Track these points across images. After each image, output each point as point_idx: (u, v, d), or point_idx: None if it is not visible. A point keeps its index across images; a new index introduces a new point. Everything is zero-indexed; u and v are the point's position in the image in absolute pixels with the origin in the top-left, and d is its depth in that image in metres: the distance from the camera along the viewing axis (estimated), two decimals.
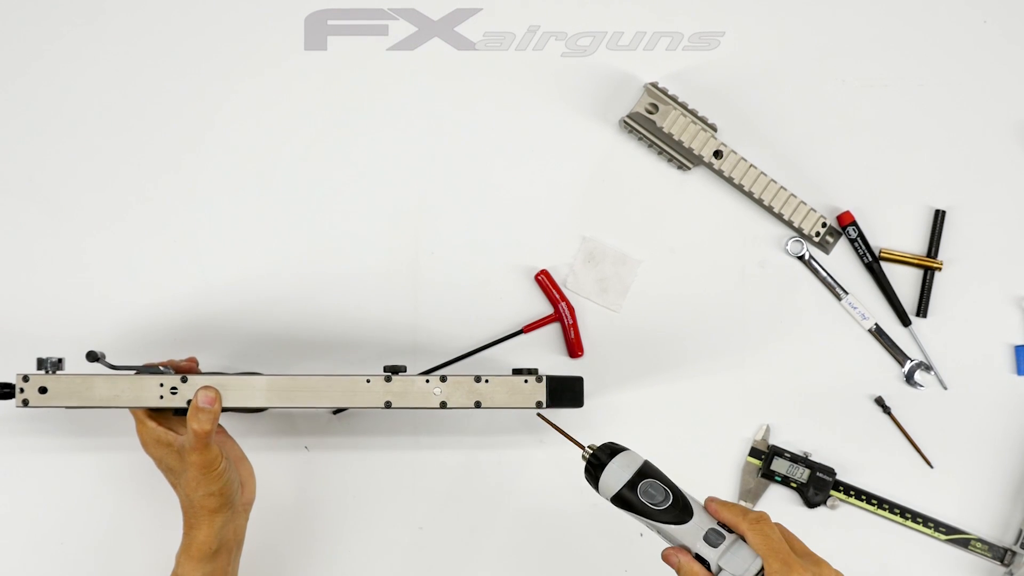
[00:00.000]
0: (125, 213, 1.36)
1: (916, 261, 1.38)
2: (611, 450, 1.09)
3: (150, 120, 1.36)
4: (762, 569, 1.03)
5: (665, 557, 1.07)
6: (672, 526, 1.06)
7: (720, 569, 1.04)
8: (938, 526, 1.37)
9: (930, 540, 1.38)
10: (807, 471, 1.36)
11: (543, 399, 1.22)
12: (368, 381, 1.21)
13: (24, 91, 1.36)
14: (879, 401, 1.38)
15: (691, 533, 1.05)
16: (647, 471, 1.07)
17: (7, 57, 1.36)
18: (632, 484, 1.07)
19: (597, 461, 1.09)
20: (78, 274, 1.35)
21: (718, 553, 1.04)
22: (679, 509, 1.06)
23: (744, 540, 1.05)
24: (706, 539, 1.05)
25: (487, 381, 1.22)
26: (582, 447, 1.11)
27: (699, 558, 1.05)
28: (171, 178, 1.36)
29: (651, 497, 1.06)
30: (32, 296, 1.35)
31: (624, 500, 1.07)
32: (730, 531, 1.06)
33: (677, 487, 1.07)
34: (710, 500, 1.07)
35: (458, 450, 1.37)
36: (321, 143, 1.37)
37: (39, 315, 1.35)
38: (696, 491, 1.38)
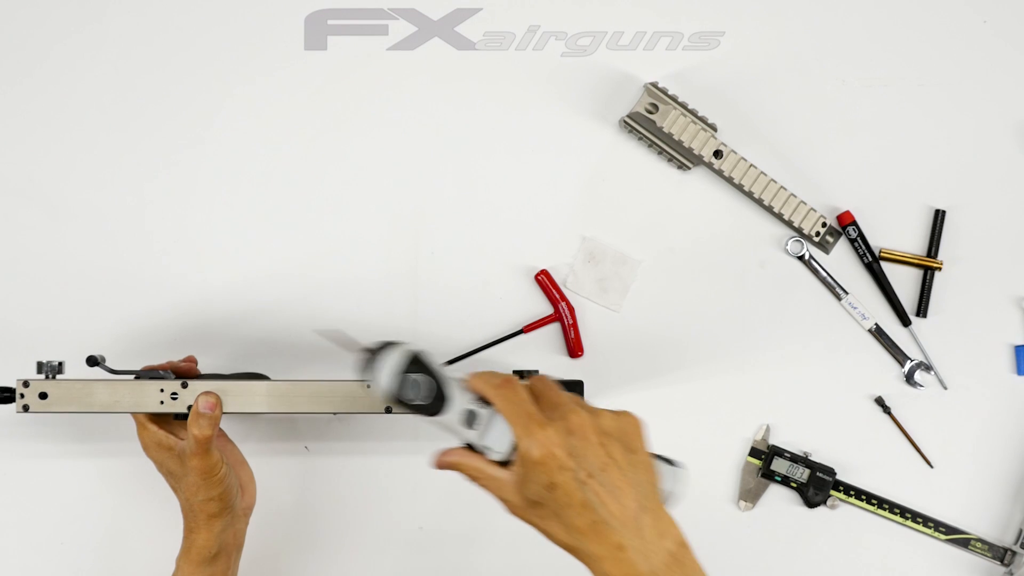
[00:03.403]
0: (125, 214, 1.36)
1: (916, 261, 1.38)
2: (379, 347, 1.02)
3: (150, 121, 1.36)
4: None
5: (441, 462, 1.02)
6: (437, 417, 1.01)
7: (487, 448, 0.99)
8: (938, 526, 1.38)
9: (930, 540, 1.38)
10: (807, 471, 1.36)
11: None
12: (369, 387, 1.21)
13: (24, 92, 1.36)
14: (879, 401, 1.39)
15: (450, 420, 1.01)
16: (416, 364, 1.01)
17: (8, 58, 1.36)
18: (399, 385, 1.00)
19: (369, 363, 1.02)
20: (78, 275, 1.35)
21: (478, 433, 1.00)
22: (441, 399, 1.01)
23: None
24: (466, 422, 1.01)
25: None
26: (357, 348, 1.05)
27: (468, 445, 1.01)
28: (170, 179, 1.36)
29: (415, 390, 1.00)
30: (32, 297, 1.35)
31: (397, 401, 1.01)
32: (488, 405, 1.00)
33: (439, 374, 1.01)
34: (469, 376, 1.01)
35: None
36: (321, 143, 1.37)
37: (39, 316, 1.35)
38: (695, 491, 1.38)
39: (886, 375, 1.39)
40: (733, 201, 1.38)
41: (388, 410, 1.21)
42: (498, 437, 1.00)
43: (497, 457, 1.00)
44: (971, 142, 1.39)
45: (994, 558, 1.38)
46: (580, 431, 0.97)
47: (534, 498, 0.97)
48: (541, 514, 0.98)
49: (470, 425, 1.00)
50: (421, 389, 1.01)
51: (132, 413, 1.22)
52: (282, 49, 1.37)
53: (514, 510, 1.00)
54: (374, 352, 1.02)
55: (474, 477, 1.01)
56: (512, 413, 0.98)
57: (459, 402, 1.01)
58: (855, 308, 1.38)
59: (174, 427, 1.23)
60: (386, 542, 1.37)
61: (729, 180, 1.36)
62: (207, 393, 1.19)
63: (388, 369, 1.01)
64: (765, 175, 1.35)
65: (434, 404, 1.01)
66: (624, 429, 1.01)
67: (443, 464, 1.02)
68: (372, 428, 1.36)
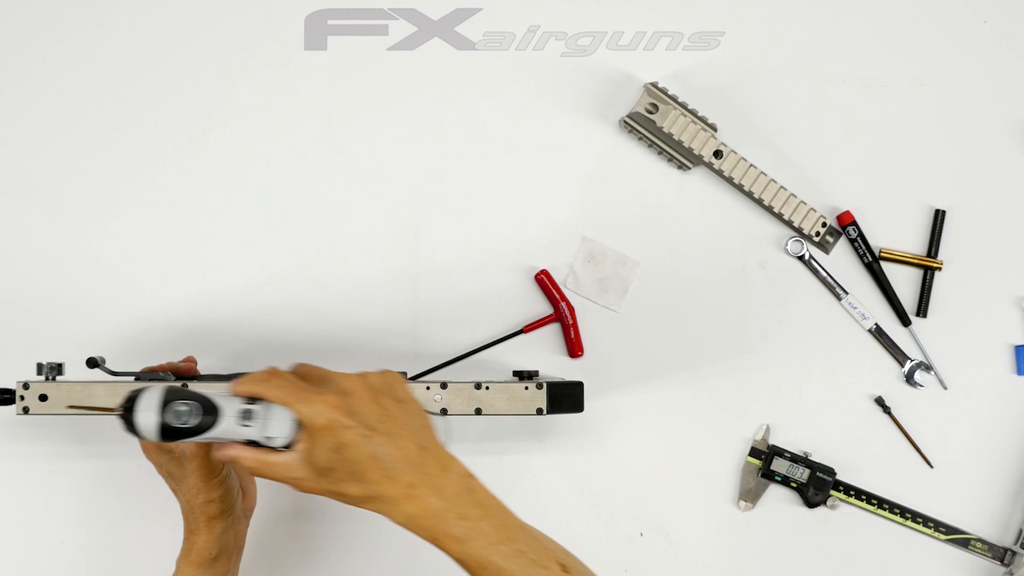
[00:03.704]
0: (125, 215, 1.36)
1: (916, 261, 1.38)
2: (132, 396, 1.04)
3: (150, 121, 1.36)
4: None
5: (217, 460, 1.06)
6: (215, 430, 1.03)
7: (270, 439, 1.03)
8: (938, 526, 1.38)
9: (930, 540, 1.38)
10: (807, 471, 1.37)
11: (543, 406, 1.23)
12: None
13: (24, 92, 1.36)
14: (879, 401, 1.39)
15: (231, 426, 1.04)
16: (173, 396, 1.04)
17: (9, 58, 1.36)
18: (165, 419, 1.03)
19: (127, 414, 1.04)
20: (78, 276, 1.35)
21: (258, 428, 1.03)
22: (212, 412, 1.04)
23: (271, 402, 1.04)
24: (242, 422, 1.04)
25: (487, 388, 1.22)
26: (112, 410, 1.09)
27: (254, 444, 1.04)
28: (170, 180, 1.36)
29: (183, 417, 1.03)
30: (32, 297, 1.35)
31: (171, 433, 1.03)
32: (260, 400, 1.04)
33: (200, 393, 1.04)
34: (232, 384, 1.05)
35: (458, 453, 1.37)
36: (321, 143, 1.37)
37: (38, 317, 1.35)
38: (695, 492, 1.38)
39: (886, 375, 1.39)
40: (733, 201, 1.38)
41: None
42: (278, 425, 1.03)
43: (280, 443, 1.04)
44: (971, 142, 1.39)
45: (994, 558, 1.38)
46: (353, 391, 1.03)
47: (325, 464, 1.02)
48: (334, 478, 1.02)
49: (248, 424, 1.04)
50: (189, 412, 1.04)
51: None
52: (282, 49, 1.37)
53: (305, 485, 1.04)
54: (127, 403, 1.04)
55: (255, 468, 1.04)
56: (286, 395, 1.02)
57: (231, 409, 1.04)
58: (855, 308, 1.38)
59: None
60: (386, 543, 1.37)
61: (729, 180, 1.36)
62: None
63: (148, 408, 1.03)
64: (765, 175, 1.35)
65: (207, 420, 1.04)
66: (390, 383, 1.07)
67: (223, 457, 1.06)
68: None
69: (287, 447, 1.03)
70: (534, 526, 1.07)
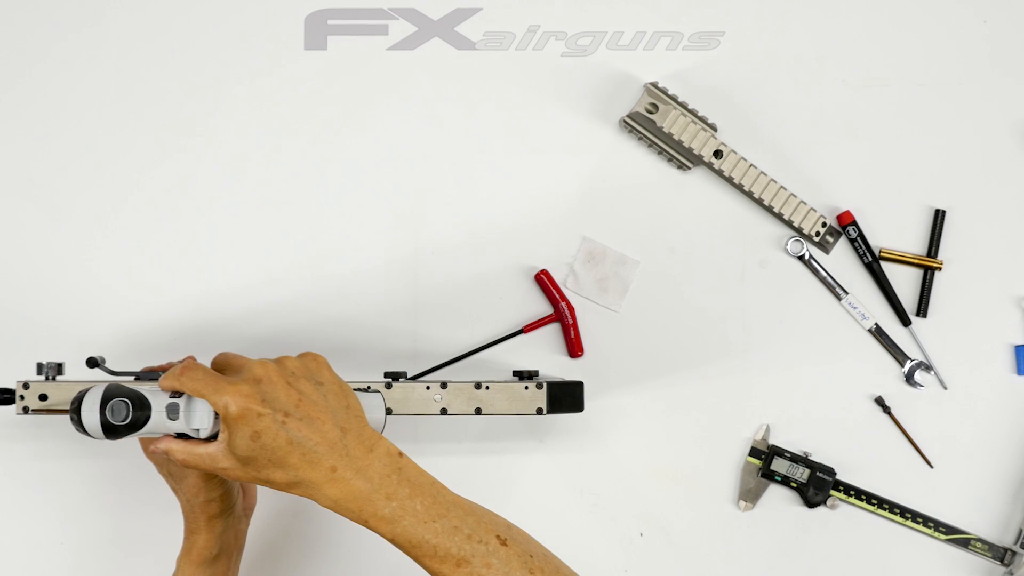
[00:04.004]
0: (124, 215, 1.36)
1: (916, 261, 1.38)
2: (78, 397, 1.08)
3: (149, 121, 1.36)
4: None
5: (149, 455, 1.08)
6: (149, 425, 1.06)
7: (195, 431, 1.06)
8: (938, 526, 1.38)
9: (930, 540, 1.38)
10: (807, 471, 1.37)
11: (543, 406, 1.23)
12: (369, 388, 1.21)
13: (24, 92, 1.36)
14: (879, 401, 1.39)
15: (162, 420, 1.06)
16: (111, 394, 1.07)
17: (8, 57, 1.36)
18: (104, 417, 1.07)
19: (75, 415, 1.07)
20: (78, 276, 1.35)
21: (183, 421, 1.06)
22: (146, 408, 1.07)
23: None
24: (169, 416, 1.06)
25: (487, 388, 1.22)
26: (66, 411, 1.13)
27: (183, 436, 1.07)
28: (170, 179, 1.36)
29: (119, 414, 1.06)
30: (32, 297, 1.35)
31: (112, 430, 1.06)
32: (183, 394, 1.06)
33: (134, 390, 1.07)
34: (160, 380, 1.07)
35: (459, 453, 1.37)
36: (321, 143, 1.37)
37: (38, 316, 1.35)
38: (695, 492, 1.38)
39: (886, 375, 1.39)
40: (733, 201, 1.38)
41: (389, 411, 1.21)
42: (200, 417, 1.06)
43: (205, 435, 1.06)
44: (971, 142, 1.39)
45: (994, 558, 1.38)
46: (266, 378, 1.03)
47: (246, 453, 1.02)
48: (257, 466, 1.03)
49: (174, 417, 1.06)
50: (125, 409, 1.06)
51: None
52: (282, 49, 1.37)
53: (234, 474, 1.04)
54: (74, 404, 1.07)
55: (185, 460, 1.05)
56: (200, 387, 1.03)
57: (158, 404, 1.07)
58: (855, 308, 1.38)
59: None
60: (386, 545, 1.37)
61: (729, 180, 1.36)
62: None
63: (91, 407, 1.06)
64: (765, 175, 1.35)
65: (142, 416, 1.06)
66: (308, 366, 1.07)
67: (153, 451, 1.07)
68: None
69: (214, 438, 1.05)
70: (475, 501, 1.07)
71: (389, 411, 1.22)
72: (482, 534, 1.03)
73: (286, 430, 1.01)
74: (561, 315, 1.36)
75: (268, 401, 1.02)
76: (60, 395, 1.19)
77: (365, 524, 1.04)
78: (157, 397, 1.07)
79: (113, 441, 1.09)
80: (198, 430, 1.06)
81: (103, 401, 1.06)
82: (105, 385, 1.08)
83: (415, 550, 1.03)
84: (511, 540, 1.04)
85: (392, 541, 1.04)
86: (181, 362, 1.10)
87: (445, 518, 1.03)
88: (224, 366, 1.08)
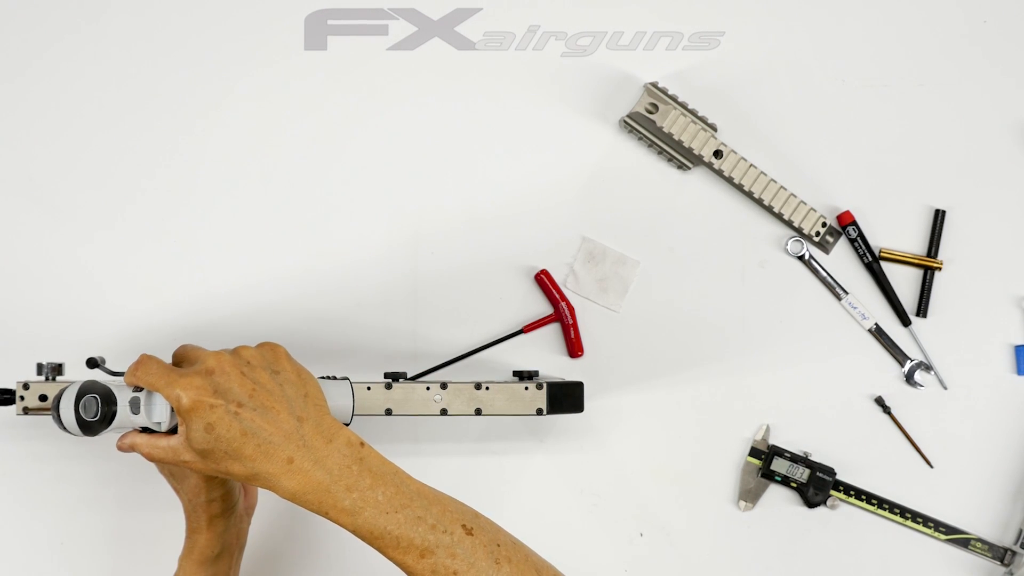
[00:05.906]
0: (124, 215, 1.36)
1: (916, 261, 1.38)
2: (58, 395, 1.10)
3: (149, 121, 1.36)
4: None
5: (118, 448, 1.08)
6: (116, 420, 1.08)
7: (157, 424, 1.07)
8: (938, 526, 1.38)
9: (930, 540, 1.38)
10: (807, 471, 1.37)
11: (543, 406, 1.23)
12: (369, 388, 1.21)
13: (24, 92, 1.36)
14: (879, 401, 1.39)
15: (127, 415, 1.08)
16: (85, 391, 1.08)
17: (7, 57, 1.36)
18: (78, 413, 1.08)
19: (56, 412, 1.09)
20: (78, 276, 1.35)
21: (144, 415, 1.07)
22: (112, 403, 1.08)
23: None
24: (132, 411, 1.07)
25: (487, 388, 1.22)
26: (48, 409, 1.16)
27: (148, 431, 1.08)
28: (170, 180, 1.36)
29: (91, 410, 1.07)
30: (32, 297, 1.35)
31: (87, 426, 1.08)
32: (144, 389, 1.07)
33: (104, 385, 1.09)
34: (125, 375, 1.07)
35: (459, 454, 1.37)
36: (321, 143, 1.37)
37: (38, 317, 1.35)
38: (695, 492, 1.39)
39: (886, 375, 1.39)
40: (733, 201, 1.38)
41: (388, 412, 1.21)
42: (158, 410, 1.07)
43: (165, 428, 1.07)
44: (971, 142, 1.39)
45: (994, 558, 1.38)
46: (220, 369, 1.03)
47: (203, 446, 1.01)
48: (216, 458, 1.02)
49: (136, 412, 1.07)
50: (95, 405, 1.08)
51: None
52: (282, 49, 1.37)
53: (196, 467, 1.04)
54: (55, 402, 1.09)
55: (149, 454, 1.06)
56: (154, 380, 1.03)
57: (123, 399, 1.08)
58: (855, 308, 1.39)
59: None
60: None
61: (729, 180, 1.36)
62: None
63: (67, 404, 1.08)
64: (765, 175, 1.35)
65: (110, 411, 1.08)
66: (265, 356, 1.06)
67: (121, 447, 1.08)
68: (372, 429, 1.36)
69: (175, 431, 1.05)
70: (440, 490, 1.06)
71: (390, 412, 1.22)
72: (447, 524, 1.02)
73: (239, 421, 1.00)
74: (561, 315, 1.36)
75: (220, 392, 1.01)
76: None
77: (326, 516, 1.02)
78: (123, 392, 1.08)
79: (92, 438, 1.10)
80: (159, 423, 1.06)
81: (77, 398, 1.07)
82: (81, 382, 1.09)
83: (377, 541, 1.01)
84: (477, 529, 1.03)
85: (354, 533, 1.02)
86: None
87: (408, 508, 1.02)
88: (182, 358, 1.08)
